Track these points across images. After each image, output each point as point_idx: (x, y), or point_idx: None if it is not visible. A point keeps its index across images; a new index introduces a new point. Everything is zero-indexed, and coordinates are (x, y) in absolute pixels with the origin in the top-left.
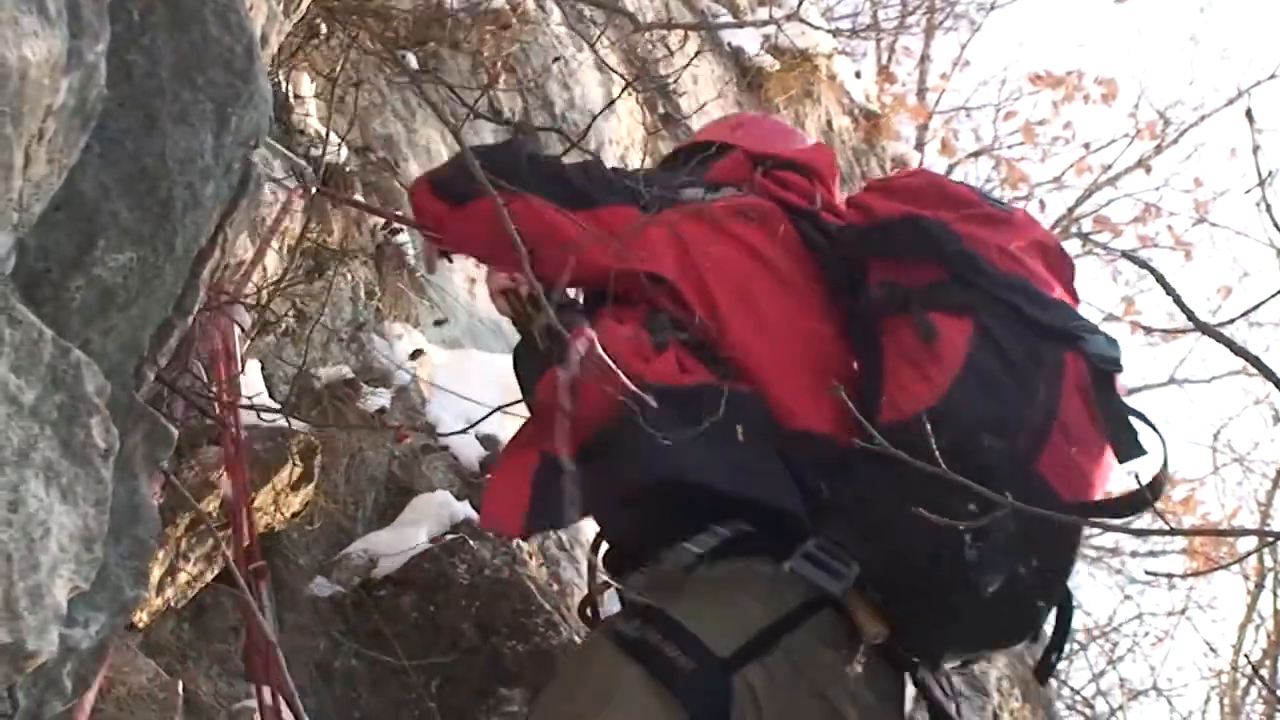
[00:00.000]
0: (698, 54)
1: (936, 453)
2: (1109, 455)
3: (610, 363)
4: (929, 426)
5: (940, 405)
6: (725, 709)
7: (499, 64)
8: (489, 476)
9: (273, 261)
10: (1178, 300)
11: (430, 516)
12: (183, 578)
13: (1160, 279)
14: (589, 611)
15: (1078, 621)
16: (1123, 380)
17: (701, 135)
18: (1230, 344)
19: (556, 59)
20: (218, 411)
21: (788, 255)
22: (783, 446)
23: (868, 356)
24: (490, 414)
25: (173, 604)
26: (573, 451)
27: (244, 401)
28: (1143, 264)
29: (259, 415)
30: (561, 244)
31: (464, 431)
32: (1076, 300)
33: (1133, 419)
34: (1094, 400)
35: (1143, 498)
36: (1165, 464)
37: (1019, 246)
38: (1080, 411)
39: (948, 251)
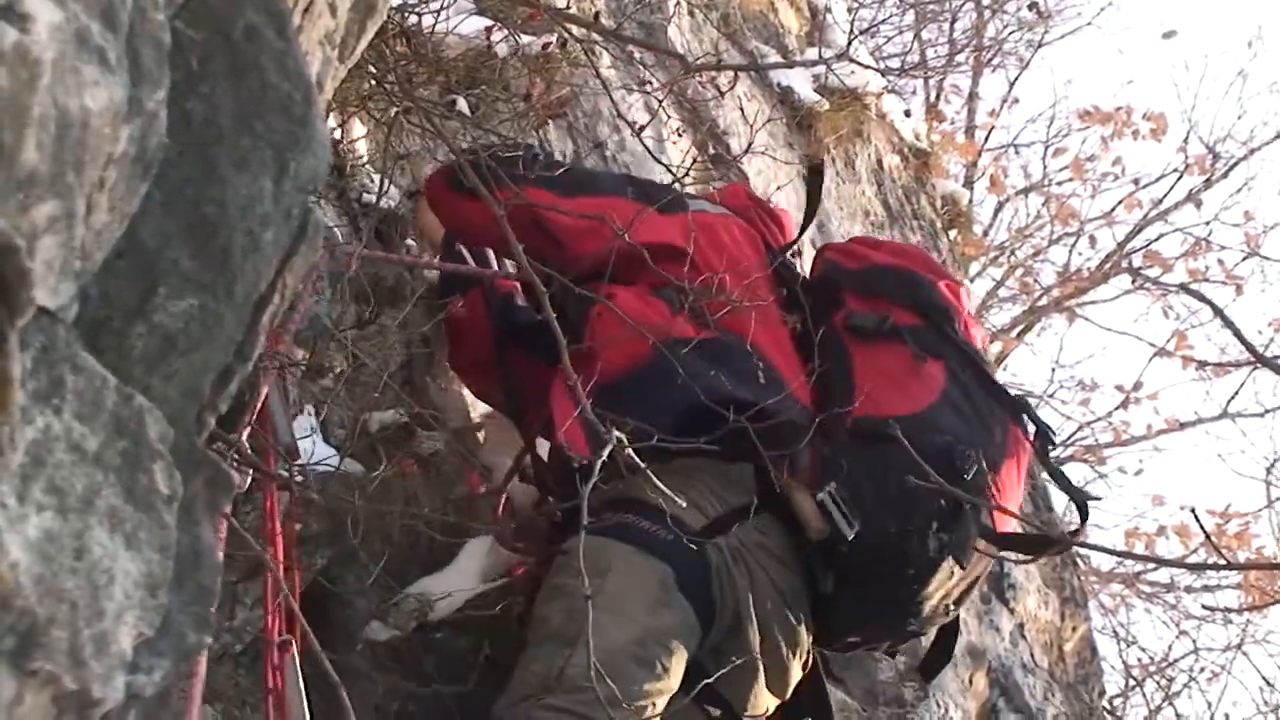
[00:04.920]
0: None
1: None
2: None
3: (633, 322)
4: (905, 430)
5: (919, 416)
6: (704, 572)
7: (549, 107)
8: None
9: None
10: (1236, 332)
11: (485, 558)
12: (240, 622)
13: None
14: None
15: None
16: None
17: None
18: None
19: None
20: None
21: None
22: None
23: (836, 362)
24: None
25: (230, 649)
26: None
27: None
28: (1200, 297)
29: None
30: (553, 234)
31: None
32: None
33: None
34: (1037, 456)
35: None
36: (1084, 520)
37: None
38: (1013, 463)
39: (928, 304)
